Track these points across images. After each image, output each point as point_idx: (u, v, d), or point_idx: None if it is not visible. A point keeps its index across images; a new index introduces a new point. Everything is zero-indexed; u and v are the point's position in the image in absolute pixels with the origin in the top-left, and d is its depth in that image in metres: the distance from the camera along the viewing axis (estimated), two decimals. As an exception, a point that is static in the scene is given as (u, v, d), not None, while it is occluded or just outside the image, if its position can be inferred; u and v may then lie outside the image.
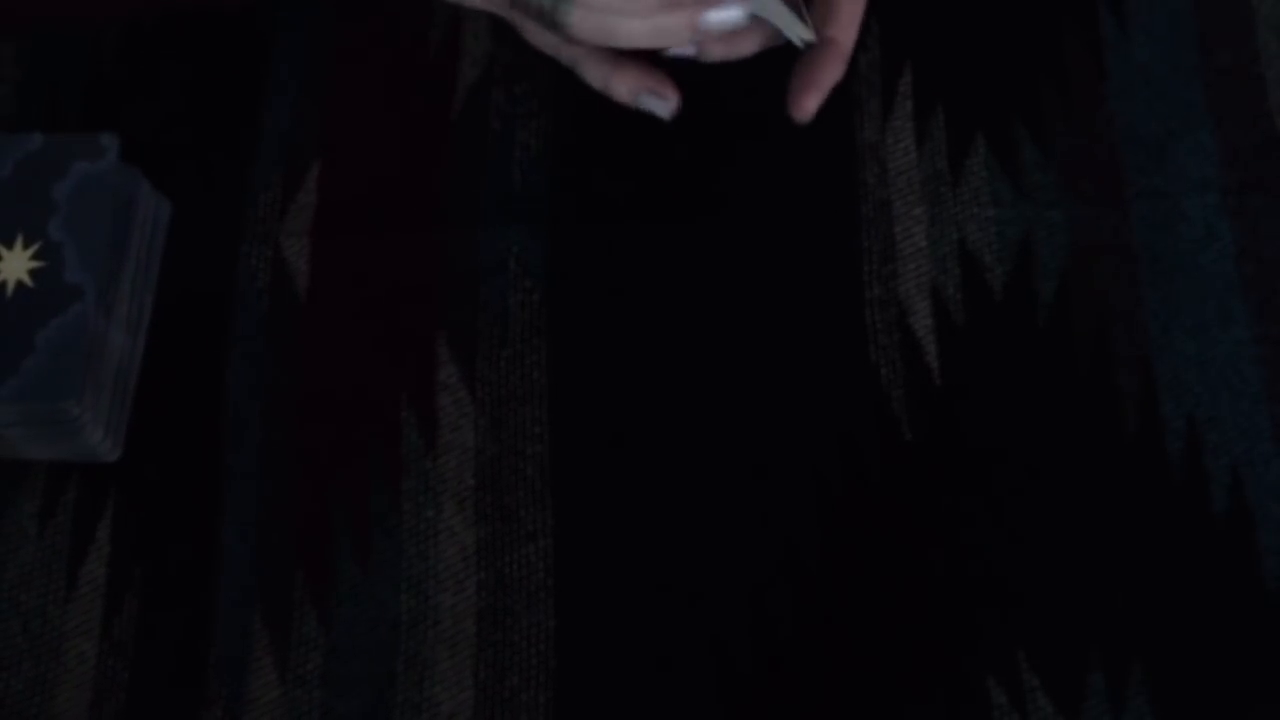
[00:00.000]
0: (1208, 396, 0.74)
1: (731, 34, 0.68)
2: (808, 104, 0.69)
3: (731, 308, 0.78)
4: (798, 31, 0.67)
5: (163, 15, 0.87)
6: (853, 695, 0.70)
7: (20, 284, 0.76)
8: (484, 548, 0.75)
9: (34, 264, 0.76)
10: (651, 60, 0.71)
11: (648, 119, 0.82)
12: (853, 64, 0.82)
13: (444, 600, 0.74)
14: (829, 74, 0.69)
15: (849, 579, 0.72)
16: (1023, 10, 0.82)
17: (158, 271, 0.81)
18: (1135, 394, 0.75)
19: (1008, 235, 0.78)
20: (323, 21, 0.86)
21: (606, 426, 0.76)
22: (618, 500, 0.75)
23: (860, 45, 0.82)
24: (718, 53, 0.70)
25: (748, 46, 0.70)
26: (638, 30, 0.65)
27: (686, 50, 0.69)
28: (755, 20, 0.67)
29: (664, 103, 0.69)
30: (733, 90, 0.82)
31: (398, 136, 0.83)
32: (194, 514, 0.76)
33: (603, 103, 0.82)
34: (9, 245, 0.76)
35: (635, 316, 0.78)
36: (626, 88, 0.69)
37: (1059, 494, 0.73)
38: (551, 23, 0.66)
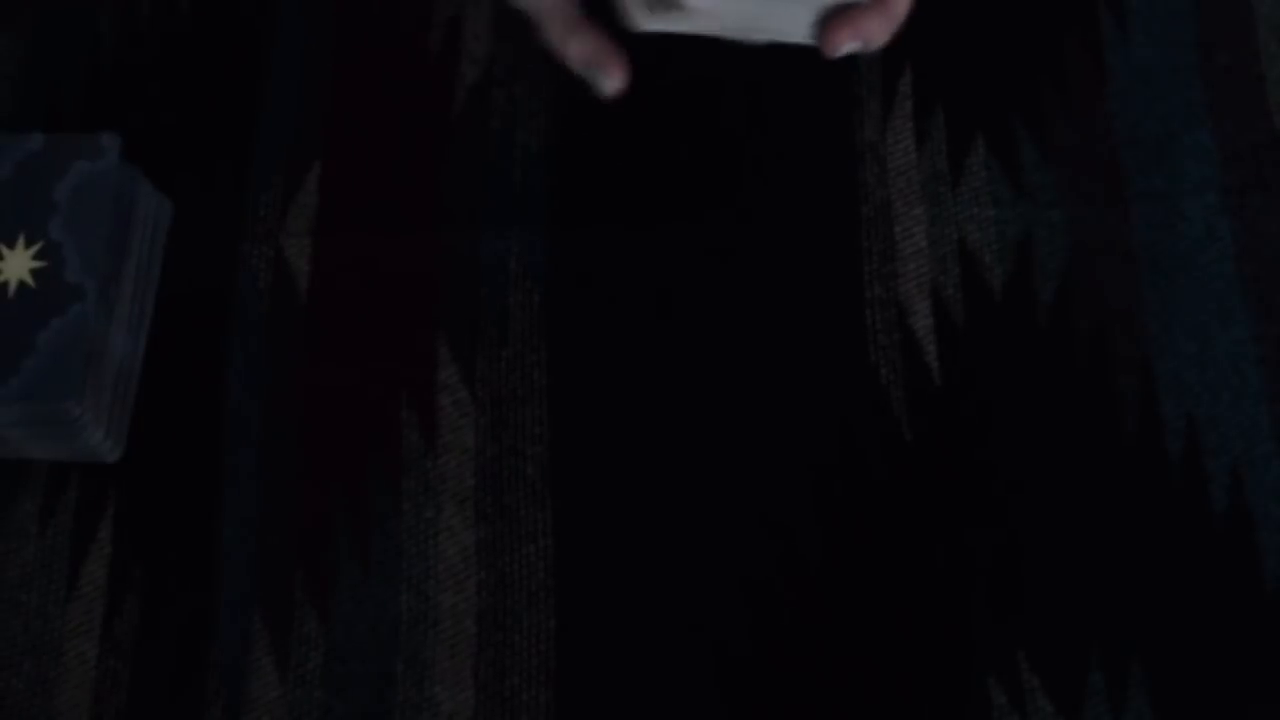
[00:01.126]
0: (1208, 396, 0.74)
1: None
2: (838, 39, 0.61)
3: (731, 308, 0.78)
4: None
5: (163, 14, 0.87)
6: (853, 695, 0.70)
7: (22, 284, 0.76)
8: (484, 548, 0.75)
9: (35, 264, 0.76)
10: (623, 39, 0.68)
11: (648, 119, 0.82)
12: (853, 64, 0.82)
13: (444, 600, 0.74)
14: (872, 29, 0.65)
15: (849, 578, 0.72)
16: (1023, 10, 0.82)
17: (159, 271, 0.81)
18: (1135, 394, 0.75)
19: (1008, 235, 0.78)
20: (322, 21, 0.86)
21: (606, 426, 0.76)
22: (618, 500, 0.75)
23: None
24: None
25: None
26: None
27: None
28: None
29: (608, 80, 0.65)
30: (733, 91, 0.82)
31: (398, 137, 0.83)
32: (194, 514, 0.76)
33: (603, 103, 0.82)
34: (10, 245, 0.76)
35: (635, 317, 0.78)
36: (579, 54, 0.65)
37: (1059, 494, 0.73)
38: None
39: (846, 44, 0.62)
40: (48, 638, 0.75)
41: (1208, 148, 0.79)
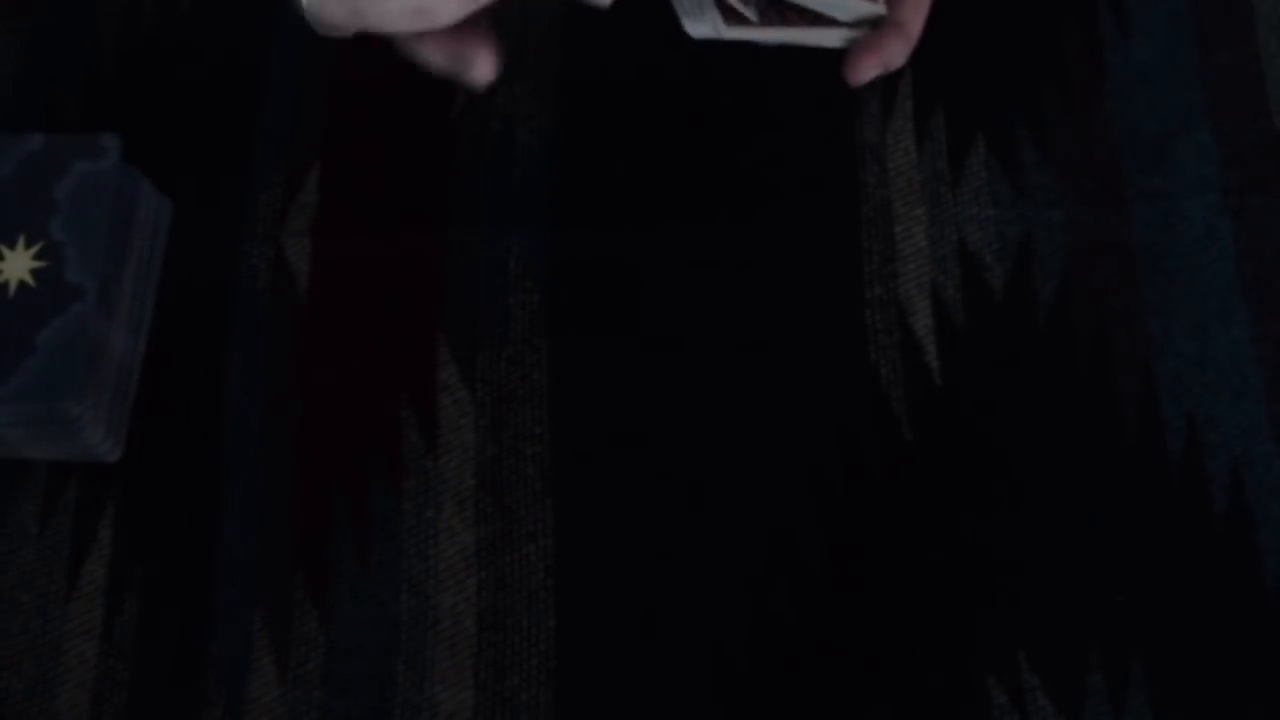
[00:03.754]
0: (1208, 396, 0.74)
1: None
2: (864, 68, 0.62)
3: (731, 308, 0.78)
4: (857, 9, 0.64)
5: (163, 13, 0.87)
6: (853, 695, 0.70)
7: (22, 284, 0.76)
8: (484, 548, 0.75)
9: (36, 264, 0.76)
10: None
11: (648, 119, 0.82)
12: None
13: (444, 600, 0.74)
14: (893, 52, 0.65)
15: (849, 579, 0.72)
16: (1023, 10, 0.82)
17: (159, 271, 0.81)
18: (1135, 394, 0.75)
19: (1008, 235, 0.78)
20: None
21: (606, 426, 0.76)
22: (618, 500, 0.75)
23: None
24: None
25: None
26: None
27: None
28: None
29: (473, 72, 0.59)
30: (733, 91, 0.82)
31: (398, 137, 0.83)
32: (194, 514, 0.76)
33: (604, 103, 0.82)
34: (11, 245, 0.76)
35: (634, 317, 0.78)
36: (434, 59, 0.60)
37: (1059, 494, 0.73)
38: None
39: (871, 72, 0.63)
40: (48, 638, 0.75)
41: (1208, 148, 0.79)
